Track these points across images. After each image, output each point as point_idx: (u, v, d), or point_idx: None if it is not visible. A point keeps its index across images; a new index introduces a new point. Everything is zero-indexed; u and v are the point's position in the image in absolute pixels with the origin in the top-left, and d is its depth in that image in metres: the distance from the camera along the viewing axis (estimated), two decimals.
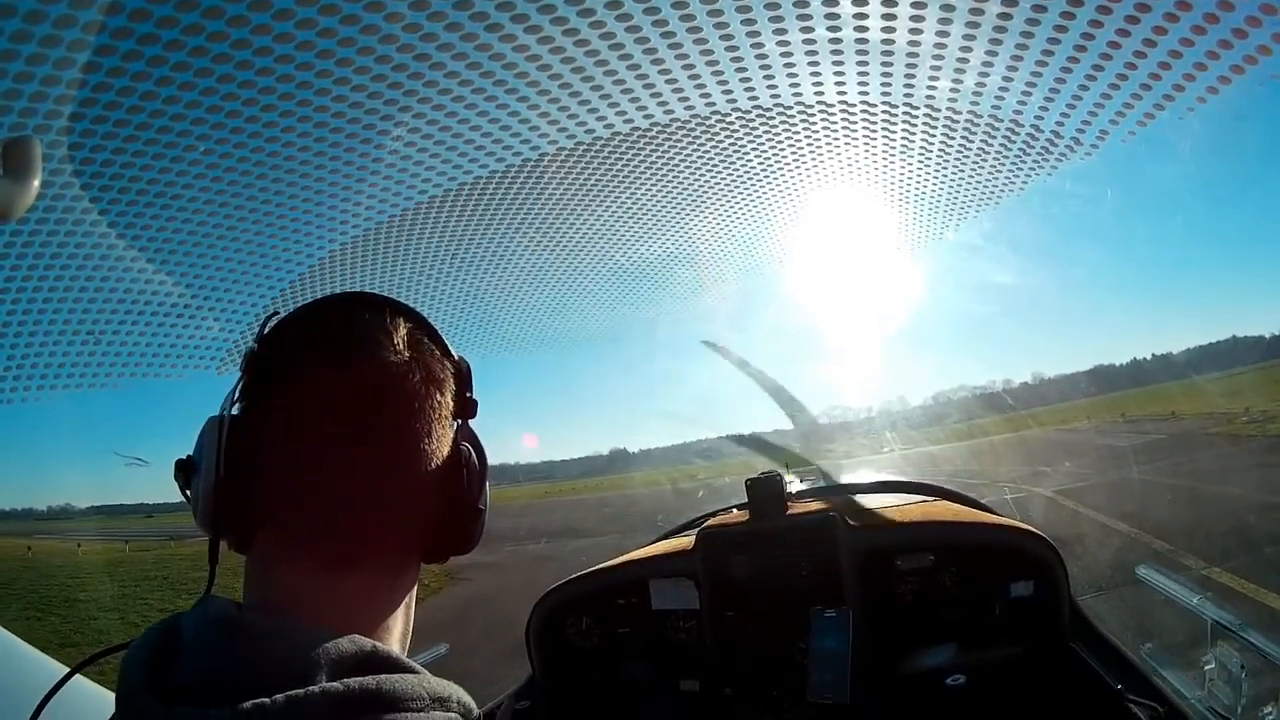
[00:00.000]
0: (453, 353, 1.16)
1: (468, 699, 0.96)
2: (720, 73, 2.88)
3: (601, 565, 3.21)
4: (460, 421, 1.17)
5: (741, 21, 2.59)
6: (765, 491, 2.94)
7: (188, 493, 1.09)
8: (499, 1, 2.35)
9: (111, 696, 0.90)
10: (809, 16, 2.59)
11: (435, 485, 1.08)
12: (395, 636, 1.07)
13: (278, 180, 3.09)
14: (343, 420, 1.01)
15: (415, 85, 2.71)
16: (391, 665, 0.91)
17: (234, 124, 2.74)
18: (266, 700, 0.78)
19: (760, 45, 2.74)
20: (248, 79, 2.53)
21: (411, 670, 0.92)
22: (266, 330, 1.10)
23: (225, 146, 2.85)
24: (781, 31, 2.66)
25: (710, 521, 3.13)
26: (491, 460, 1.20)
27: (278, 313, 1.12)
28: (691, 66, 2.82)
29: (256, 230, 3.40)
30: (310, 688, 0.81)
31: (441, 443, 1.10)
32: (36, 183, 1.08)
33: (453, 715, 0.91)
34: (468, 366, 1.18)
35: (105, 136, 2.64)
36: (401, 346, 1.06)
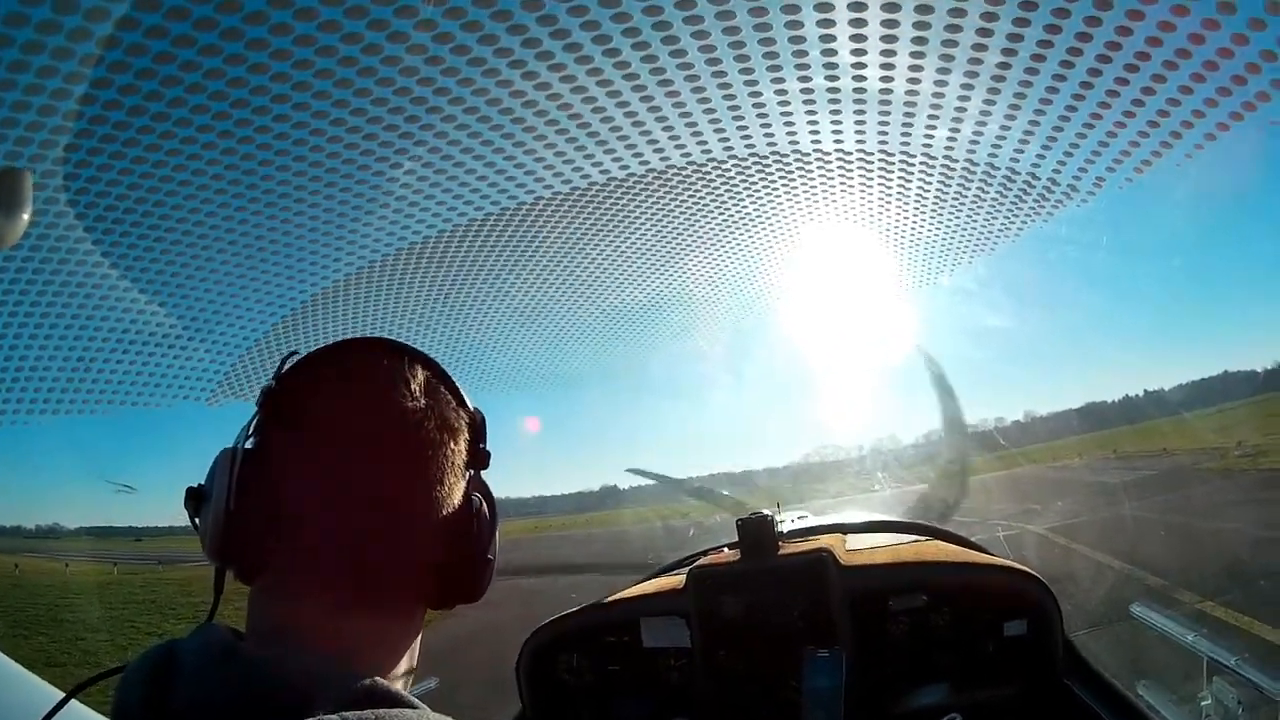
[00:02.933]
0: (468, 403, 1.15)
1: None
2: (717, 120, 2.90)
3: (593, 603, 3.18)
4: (472, 472, 1.14)
5: (740, 70, 2.60)
6: (756, 531, 2.92)
7: (196, 520, 1.07)
8: (498, 48, 2.35)
9: (96, 717, 0.90)
10: (807, 66, 2.60)
11: (445, 534, 1.07)
12: (398, 677, 1.05)
13: (273, 216, 3.10)
14: (356, 464, 1.00)
15: (412, 129, 2.72)
16: (392, 700, 0.88)
17: (229, 160, 2.74)
18: None
19: (758, 94, 2.75)
20: (244, 117, 2.53)
21: (411, 705, 0.89)
22: (285, 369, 1.08)
23: (220, 183, 2.86)
24: (779, 80, 2.67)
25: (701, 560, 3.10)
26: None
27: (295, 352, 1.10)
28: (689, 115, 2.83)
29: (251, 264, 3.40)
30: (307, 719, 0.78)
31: (453, 491, 1.08)
32: (26, 215, 1.08)
33: None
34: (482, 417, 1.17)
35: (100, 168, 2.64)
36: (418, 393, 1.06)
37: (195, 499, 1.07)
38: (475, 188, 3.17)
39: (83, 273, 3.06)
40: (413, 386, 1.05)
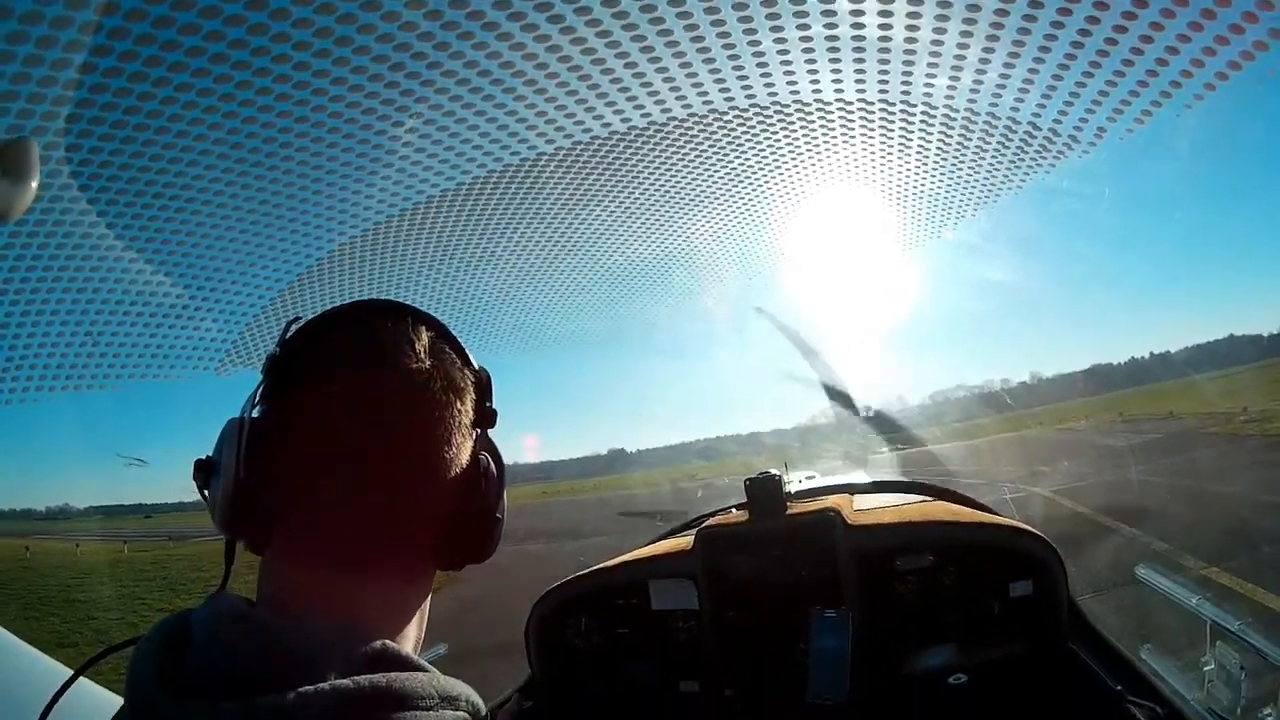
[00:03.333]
0: (473, 362, 1.16)
1: (476, 698, 0.95)
2: (717, 71, 2.88)
3: (601, 565, 3.19)
4: (479, 430, 1.15)
5: (739, 19, 2.58)
6: (764, 491, 2.93)
7: (205, 493, 1.09)
8: (495, 1, 2.34)
9: (113, 696, 0.92)
10: (805, 14, 2.59)
11: (454, 493, 1.08)
12: (409, 640, 1.06)
13: (275, 181, 3.10)
14: (364, 426, 1.01)
15: (412, 85, 2.71)
16: (402, 664, 0.91)
17: (231, 125, 2.74)
18: (278, 695, 0.79)
19: (758, 43, 2.74)
20: (244, 79, 2.53)
21: (422, 669, 0.92)
22: (289, 335, 1.09)
23: (222, 148, 2.86)
24: (778, 29, 2.66)
25: (709, 522, 3.11)
26: None
27: (299, 318, 1.12)
28: (689, 65, 2.82)
29: (254, 231, 3.40)
30: (321, 684, 0.81)
31: (461, 451, 1.09)
32: (34, 184, 1.08)
33: (461, 714, 0.90)
34: (488, 376, 1.17)
35: (102, 138, 2.64)
36: (423, 354, 1.06)
37: (204, 470, 1.09)
38: (478, 144, 3.16)
39: (88, 245, 3.07)
40: (417, 347, 1.06)
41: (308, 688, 0.80)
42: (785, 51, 2.81)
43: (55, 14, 2.09)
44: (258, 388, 1.06)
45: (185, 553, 29.21)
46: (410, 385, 1.04)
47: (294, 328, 1.10)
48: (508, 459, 1.20)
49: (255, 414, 1.05)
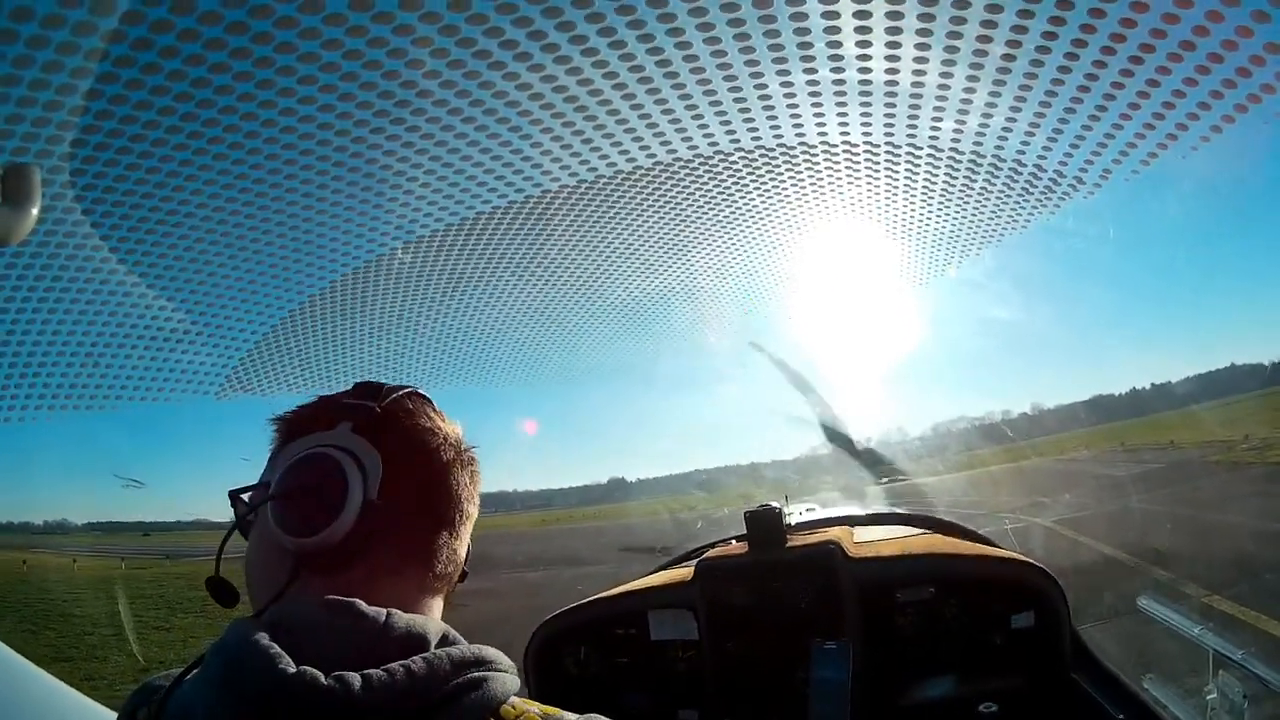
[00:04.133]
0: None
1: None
2: (723, 112, 2.89)
3: (600, 595, 3.19)
4: None
5: (745, 62, 2.59)
6: (764, 523, 2.93)
7: (248, 517, 1.29)
8: (502, 40, 2.35)
9: (104, 711, 0.98)
10: (812, 58, 2.59)
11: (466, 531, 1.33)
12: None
13: (279, 211, 3.10)
14: (445, 486, 1.28)
15: (418, 121, 2.72)
16: (464, 642, 1.11)
17: (236, 155, 2.75)
18: (410, 662, 0.97)
19: (764, 85, 2.75)
20: (249, 111, 2.53)
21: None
22: (381, 394, 1.31)
23: (227, 177, 2.86)
24: (785, 72, 2.67)
25: (709, 553, 3.12)
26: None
27: (373, 382, 1.35)
28: (695, 106, 2.82)
29: (257, 260, 3.40)
30: (437, 653, 1.01)
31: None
32: (35, 210, 1.11)
33: (519, 680, 1.09)
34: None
35: (106, 164, 2.65)
36: (459, 434, 1.35)
37: (312, 493, 1.18)
38: (482, 181, 3.17)
39: (90, 269, 3.08)
40: (456, 428, 1.35)
41: (428, 654, 1.00)
42: (792, 94, 2.81)
43: (61, 40, 2.10)
44: (342, 428, 1.24)
45: (182, 571, 29.12)
46: (464, 458, 1.32)
47: (386, 395, 1.31)
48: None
49: (367, 454, 1.21)
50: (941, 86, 2.75)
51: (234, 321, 3.78)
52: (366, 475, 1.17)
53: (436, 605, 1.26)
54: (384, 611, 1.06)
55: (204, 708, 0.96)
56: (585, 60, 2.49)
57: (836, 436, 4.67)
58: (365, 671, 0.93)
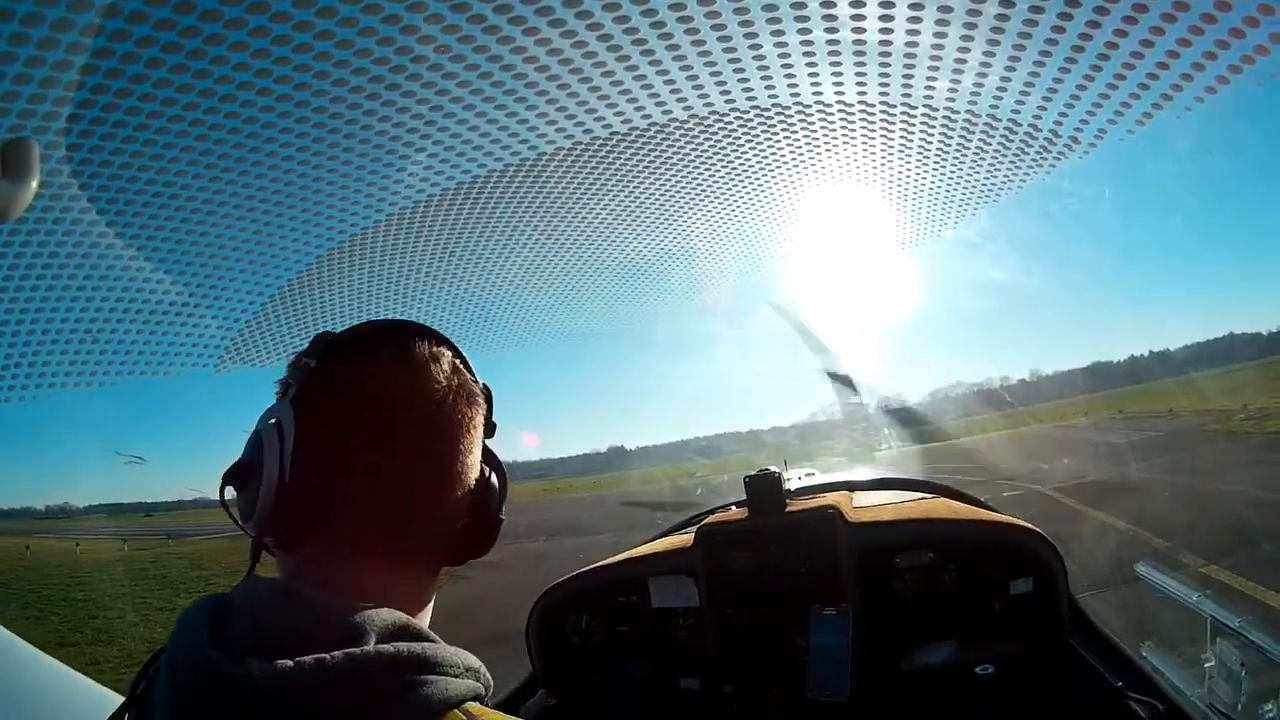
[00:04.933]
0: (478, 379, 1.26)
1: (487, 674, 1.06)
2: (718, 73, 2.89)
3: (601, 563, 3.20)
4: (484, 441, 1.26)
5: (739, 23, 2.59)
6: (764, 488, 2.93)
7: (237, 495, 1.16)
8: (497, 4, 2.35)
9: (109, 694, 0.97)
10: (806, 18, 2.59)
11: (468, 498, 1.19)
12: (425, 622, 1.15)
13: (275, 180, 3.10)
14: (400, 441, 1.12)
15: (413, 86, 2.72)
16: (427, 638, 1.01)
17: (231, 124, 2.74)
18: (327, 655, 0.88)
19: (758, 46, 2.74)
20: (245, 80, 2.53)
21: (441, 643, 1.02)
22: (321, 349, 1.16)
23: (223, 147, 2.86)
24: (779, 33, 2.66)
25: (709, 519, 3.12)
26: None
27: (329, 332, 1.19)
28: (689, 67, 2.82)
29: (253, 230, 3.40)
30: (366, 649, 0.91)
31: (475, 461, 1.22)
32: (34, 183, 1.10)
33: (479, 685, 1.01)
34: (490, 392, 1.28)
35: (103, 137, 2.64)
36: (448, 373, 1.18)
37: (241, 474, 1.15)
38: (478, 144, 3.17)
39: (88, 243, 3.07)
40: (442, 365, 1.18)
41: (353, 650, 0.90)
42: (786, 55, 2.81)
43: (57, 15, 2.09)
44: (288, 394, 1.13)
45: (184, 551, 29.22)
46: (440, 402, 1.15)
47: (325, 342, 1.17)
48: (506, 456, 1.32)
49: (289, 422, 1.10)
50: (935, 45, 2.74)
51: (231, 294, 3.78)
52: (283, 450, 1.08)
53: (409, 583, 1.15)
54: (323, 597, 0.99)
55: (161, 677, 0.98)
56: (579, 22, 2.48)
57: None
58: (279, 661, 0.86)
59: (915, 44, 2.74)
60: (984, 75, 2.92)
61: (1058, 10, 2.51)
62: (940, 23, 2.61)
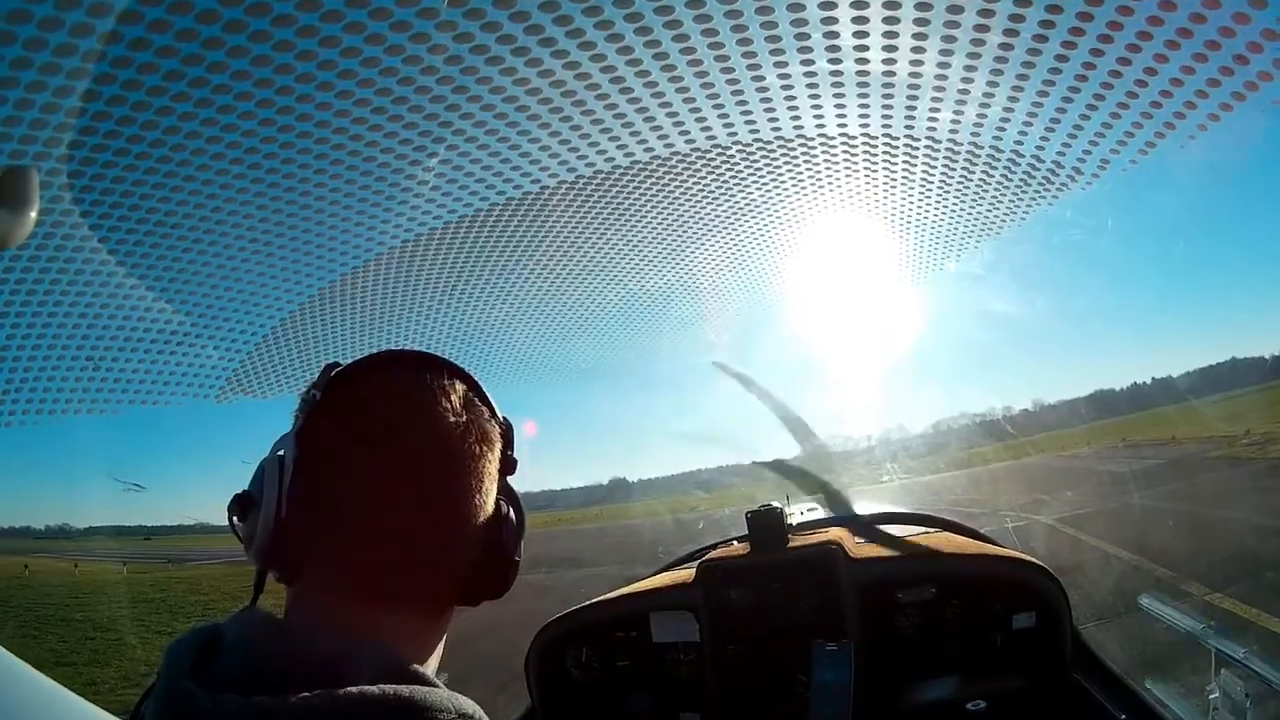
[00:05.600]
0: (499, 414, 1.21)
1: (485, 719, 0.99)
2: (720, 105, 2.90)
3: (601, 597, 3.18)
4: (502, 478, 1.21)
5: (742, 54, 2.59)
6: (765, 524, 2.93)
7: (239, 524, 1.14)
8: (499, 35, 2.35)
9: (100, 713, 0.96)
10: (809, 49, 2.60)
11: (479, 538, 1.14)
12: (430, 666, 1.09)
13: (279, 211, 3.10)
14: (401, 475, 1.06)
15: (416, 119, 2.72)
16: (421, 680, 0.95)
17: (234, 155, 2.75)
18: (309, 694, 0.84)
19: (761, 78, 2.75)
20: (248, 110, 2.54)
21: (439, 687, 0.96)
22: (328, 381, 1.13)
23: (225, 177, 2.86)
24: (782, 64, 2.67)
25: (710, 554, 3.11)
26: None
27: (337, 363, 1.16)
28: (692, 99, 2.83)
29: (256, 260, 3.40)
30: (349, 689, 0.86)
31: (488, 498, 1.16)
32: (34, 212, 1.09)
33: None
34: (510, 426, 1.23)
35: (105, 165, 2.64)
36: (459, 407, 1.12)
37: (243, 504, 1.13)
38: (480, 178, 3.18)
39: (89, 271, 3.07)
40: (453, 399, 1.12)
41: (336, 690, 0.85)
42: (789, 86, 2.82)
43: (60, 41, 2.09)
44: (295, 427, 1.11)
45: (184, 576, 29.16)
46: (449, 438, 1.10)
47: (333, 373, 1.14)
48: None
49: (294, 455, 1.08)
50: (939, 77, 2.75)
51: (234, 324, 3.78)
52: (281, 483, 1.06)
53: (410, 621, 1.09)
54: (313, 632, 0.97)
55: (148, 705, 0.96)
56: (582, 54, 2.49)
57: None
58: (257, 699, 0.84)
59: (918, 75, 2.75)
60: (986, 107, 2.93)
61: (1060, 40, 2.51)
62: (944, 54, 2.62)
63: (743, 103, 2.89)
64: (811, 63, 2.67)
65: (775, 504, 2.98)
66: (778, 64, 2.66)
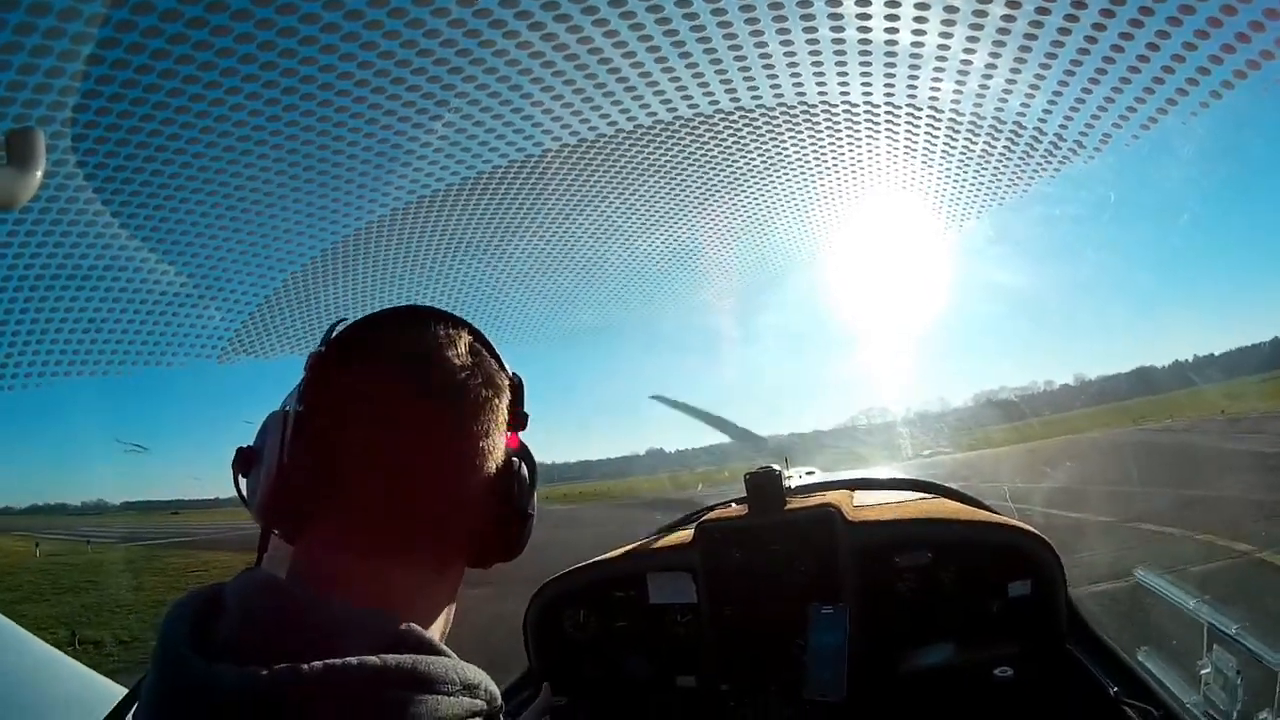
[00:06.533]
0: (508, 368, 1.18)
1: (494, 688, 0.97)
2: (724, 71, 2.89)
3: (600, 558, 3.19)
4: (512, 432, 1.18)
5: (745, 21, 2.59)
6: (764, 486, 2.92)
7: (239, 481, 1.14)
8: (504, 1, 2.35)
9: (98, 679, 0.94)
10: (812, 16, 2.59)
11: (488, 489, 1.11)
12: (435, 631, 1.06)
13: (281, 172, 3.10)
14: (407, 422, 1.04)
15: (419, 80, 2.72)
16: (427, 648, 0.92)
17: (237, 116, 2.74)
18: (304, 666, 0.81)
19: (764, 45, 2.74)
20: (251, 72, 2.53)
21: (445, 655, 0.94)
22: (333, 335, 1.11)
23: (228, 139, 2.86)
24: (785, 31, 2.66)
25: (709, 515, 3.11)
26: None
27: (344, 319, 1.14)
28: (695, 65, 2.82)
29: (258, 222, 3.40)
30: (348, 659, 0.83)
31: (496, 449, 1.12)
32: (40, 173, 1.10)
33: (479, 703, 0.92)
34: (521, 381, 1.20)
35: (109, 128, 2.64)
36: (465, 353, 1.09)
37: (246, 459, 1.13)
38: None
39: (93, 233, 3.07)
40: (460, 346, 1.09)
41: (334, 660, 0.82)
42: (792, 55, 2.81)
43: (63, 5, 2.10)
44: (301, 383, 1.08)
45: (196, 559, 29.03)
46: (453, 383, 1.07)
47: (338, 328, 1.12)
48: (542, 457, 1.24)
49: (297, 408, 1.05)
50: (941, 47, 2.74)
51: (235, 285, 3.78)
52: (284, 436, 1.03)
53: (415, 583, 1.06)
54: (313, 596, 0.94)
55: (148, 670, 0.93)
56: (585, 18, 2.49)
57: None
58: (250, 668, 0.81)
59: (920, 44, 2.74)
60: (989, 77, 2.92)
61: (1063, 12, 2.51)
62: (946, 24, 2.61)
63: (745, 69, 2.88)
64: (814, 30, 2.66)
65: (774, 466, 2.99)
66: (780, 31, 2.66)
